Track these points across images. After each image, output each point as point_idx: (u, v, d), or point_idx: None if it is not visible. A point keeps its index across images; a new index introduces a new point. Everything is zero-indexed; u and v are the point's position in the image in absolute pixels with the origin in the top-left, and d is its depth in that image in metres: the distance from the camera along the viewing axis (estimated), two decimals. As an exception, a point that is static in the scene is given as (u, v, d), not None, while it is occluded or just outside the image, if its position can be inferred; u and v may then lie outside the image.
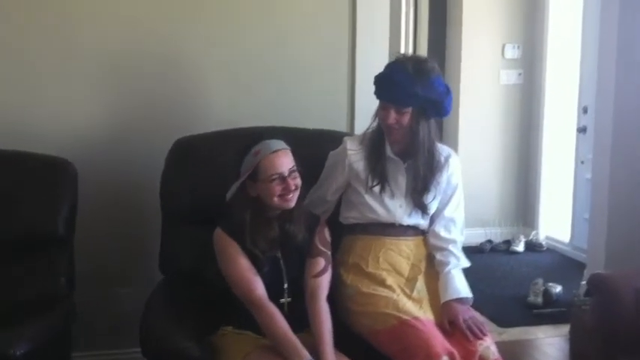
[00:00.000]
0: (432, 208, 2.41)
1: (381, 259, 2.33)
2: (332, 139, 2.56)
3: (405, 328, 2.13)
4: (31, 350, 2.06)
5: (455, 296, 2.29)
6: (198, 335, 2.14)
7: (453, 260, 2.38)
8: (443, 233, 2.41)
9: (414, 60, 2.35)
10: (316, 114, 3.00)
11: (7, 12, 2.80)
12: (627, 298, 2.36)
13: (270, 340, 2.08)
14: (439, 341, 2.09)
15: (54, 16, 2.84)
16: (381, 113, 2.35)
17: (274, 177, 2.12)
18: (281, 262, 2.19)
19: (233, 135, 2.60)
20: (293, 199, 2.15)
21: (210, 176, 2.33)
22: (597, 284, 2.50)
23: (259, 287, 2.11)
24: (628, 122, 3.69)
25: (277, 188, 2.12)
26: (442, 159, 2.41)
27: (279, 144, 2.17)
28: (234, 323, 2.18)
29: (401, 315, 2.16)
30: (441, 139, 2.47)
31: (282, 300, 2.16)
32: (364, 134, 2.44)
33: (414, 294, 2.28)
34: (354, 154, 2.40)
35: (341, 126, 3.02)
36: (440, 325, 2.21)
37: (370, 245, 2.36)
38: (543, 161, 5.84)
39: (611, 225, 3.75)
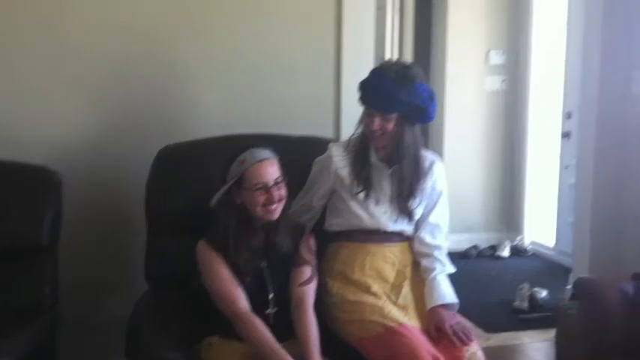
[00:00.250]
0: (417, 213, 2.41)
1: (366, 266, 2.33)
2: (318, 146, 2.56)
3: (390, 335, 2.13)
4: (15, 362, 2.04)
5: (441, 302, 2.29)
6: (185, 345, 2.13)
7: (438, 266, 2.39)
8: (428, 239, 2.42)
9: (398, 66, 2.36)
10: (303, 120, 3.01)
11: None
12: (612, 301, 2.38)
13: (255, 351, 2.06)
14: (425, 347, 2.09)
15: (39, 21, 2.82)
16: (365, 119, 2.35)
17: (258, 186, 2.12)
18: (265, 272, 2.19)
19: (219, 142, 2.59)
20: (277, 210, 2.15)
21: (196, 184, 2.33)
22: (583, 288, 2.52)
23: (242, 300, 2.11)
24: (611, 127, 3.71)
25: (260, 198, 2.12)
26: (427, 165, 2.41)
27: (265, 153, 2.17)
28: (220, 332, 2.17)
29: (386, 322, 2.16)
30: (427, 146, 2.47)
31: (268, 311, 2.15)
32: (349, 140, 2.44)
33: (400, 300, 2.28)
34: (339, 160, 2.40)
35: (327, 132, 3.03)
36: (426, 331, 2.21)
37: (355, 252, 2.36)
38: (528, 166, 5.86)
39: (595, 229, 3.77)
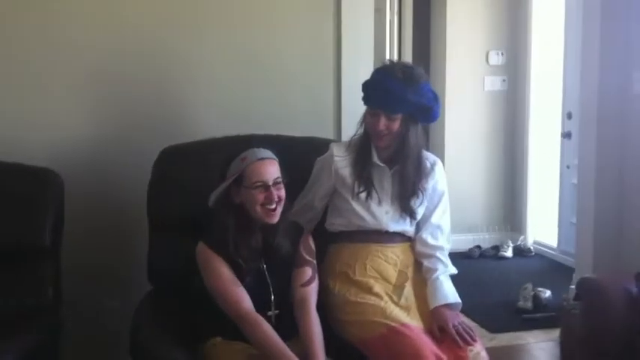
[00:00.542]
0: (419, 213, 2.41)
1: (368, 267, 2.33)
2: (319, 146, 2.56)
3: (393, 335, 2.12)
4: (17, 364, 2.04)
5: (443, 302, 2.29)
6: (188, 346, 2.12)
7: (440, 267, 2.38)
8: (430, 240, 2.41)
9: (402, 66, 2.36)
10: (303, 121, 3.00)
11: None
12: (616, 301, 2.37)
13: (260, 352, 2.05)
14: (428, 347, 2.08)
15: (39, 22, 2.82)
16: (370, 120, 2.34)
17: (258, 184, 2.11)
18: (266, 274, 2.18)
19: (220, 143, 2.59)
20: (276, 214, 2.14)
21: (198, 184, 2.32)
22: (586, 288, 2.51)
23: (246, 300, 2.10)
24: (612, 127, 3.71)
25: (260, 196, 2.11)
26: (428, 165, 2.42)
27: (266, 153, 2.17)
28: (224, 333, 2.15)
29: (389, 322, 2.16)
30: (428, 146, 2.47)
31: (270, 313, 2.14)
32: (350, 141, 2.44)
33: (402, 301, 2.27)
34: (340, 160, 2.39)
35: (328, 133, 3.03)
36: (429, 332, 2.20)
37: (356, 253, 2.36)
38: (529, 167, 5.87)
39: (598, 229, 3.77)
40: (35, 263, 2.45)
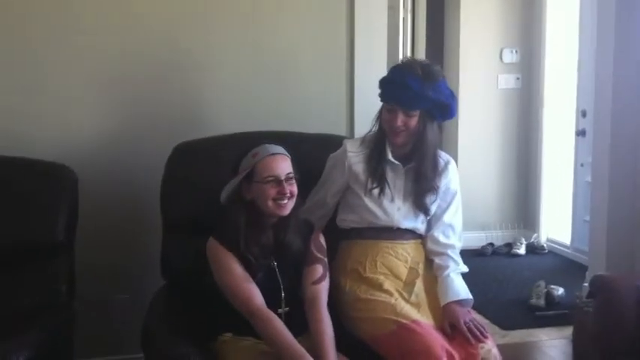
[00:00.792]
0: (432, 210, 2.41)
1: (378, 263, 2.33)
2: (331, 143, 2.57)
3: (404, 332, 2.12)
4: (32, 359, 2.05)
5: (455, 298, 2.29)
6: (200, 341, 2.13)
7: (452, 264, 2.38)
8: (442, 238, 2.42)
9: (421, 63, 2.36)
10: (316, 118, 3.02)
11: (6, 16, 2.81)
12: (629, 299, 2.36)
13: (272, 349, 2.06)
14: (439, 343, 2.08)
15: (54, 19, 2.85)
16: (387, 116, 2.34)
17: (270, 179, 2.12)
18: (277, 272, 2.18)
19: (232, 140, 2.61)
20: (287, 206, 2.14)
21: (210, 181, 2.33)
22: (599, 286, 2.50)
23: (257, 296, 2.10)
24: (626, 125, 3.69)
25: (272, 191, 2.11)
26: (442, 164, 2.42)
27: (278, 149, 2.18)
28: (234, 330, 2.16)
29: (399, 319, 2.16)
30: (441, 144, 2.47)
31: (280, 310, 2.14)
32: (364, 137, 2.44)
33: (412, 298, 2.27)
34: (353, 155, 2.40)
35: (340, 130, 3.04)
36: (441, 328, 2.20)
37: (367, 250, 2.36)
38: (543, 164, 5.84)
39: (611, 227, 3.74)
40: (49, 259, 2.47)
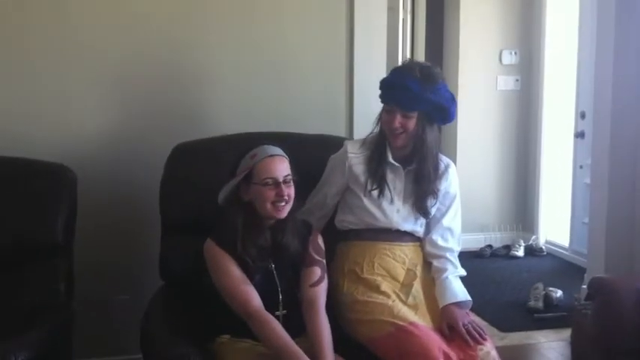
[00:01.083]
0: (432, 213, 2.42)
1: (376, 265, 2.33)
2: (331, 144, 2.57)
3: (401, 334, 2.13)
4: (31, 359, 2.04)
5: (453, 300, 2.29)
6: (198, 342, 2.13)
7: (450, 267, 2.38)
8: (440, 242, 2.42)
9: (421, 65, 2.37)
10: (315, 119, 3.02)
11: (7, 15, 2.81)
12: (628, 301, 2.36)
13: (270, 351, 2.06)
14: (436, 346, 2.08)
15: (54, 19, 2.85)
16: (386, 117, 2.35)
17: (268, 181, 2.11)
18: (274, 274, 2.18)
19: (232, 140, 2.61)
20: (285, 209, 2.13)
21: (210, 182, 2.32)
22: (598, 288, 2.50)
23: (255, 298, 2.10)
24: (626, 126, 3.69)
25: (270, 193, 2.11)
26: (442, 167, 2.43)
27: (276, 150, 2.18)
28: (232, 331, 2.16)
29: (396, 321, 2.16)
30: (440, 146, 2.48)
31: (278, 312, 2.14)
32: (365, 139, 2.44)
33: (410, 300, 2.27)
34: (354, 157, 2.40)
35: (340, 131, 3.04)
36: (439, 330, 2.20)
37: (365, 251, 2.37)
38: (542, 166, 5.85)
39: (610, 229, 3.75)
40: (48, 259, 2.46)
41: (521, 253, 5.62)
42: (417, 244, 2.44)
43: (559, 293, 4.28)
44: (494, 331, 3.80)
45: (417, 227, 2.41)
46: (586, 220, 4.50)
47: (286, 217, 2.16)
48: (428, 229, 2.45)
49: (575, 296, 3.93)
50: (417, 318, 2.20)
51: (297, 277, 2.21)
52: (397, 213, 2.37)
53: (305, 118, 3.01)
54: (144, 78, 2.94)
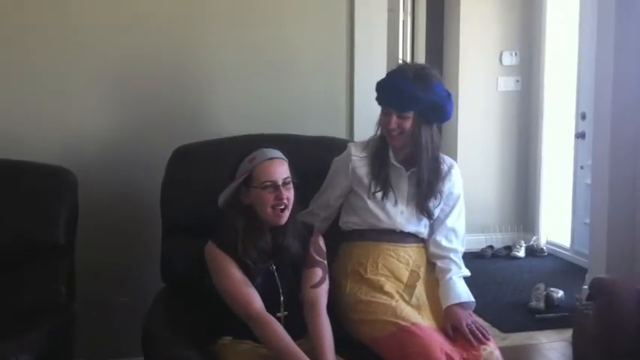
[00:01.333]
0: (435, 214, 2.42)
1: (379, 265, 2.33)
2: (331, 146, 2.57)
3: (403, 334, 2.12)
4: (32, 360, 2.05)
5: (457, 301, 2.29)
6: (200, 344, 2.13)
7: (454, 267, 2.38)
8: (444, 242, 2.42)
9: (416, 66, 2.41)
10: (316, 121, 3.02)
11: (7, 15, 2.80)
12: (629, 301, 2.36)
13: (271, 353, 2.05)
14: (438, 346, 2.08)
15: (54, 19, 2.84)
16: (383, 119, 2.37)
17: (267, 184, 2.11)
18: (276, 275, 2.18)
19: (232, 142, 2.61)
20: (285, 215, 2.13)
21: (211, 184, 2.32)
22: (599, 288, 2.50)
23: (256, 300, 2.09)
24: (626, 127, 3.69)
25: (270, 196, 2.10)
26: (445, 168, 2.42)
27: (275, 153, 2.17)
28: (234, 333, 2.16)
29: (399, 321, 2.16)
30: (441, 147, 2.48)
31: (279, 314, 2.14)
32: (368, 141, 2.45)
33: (413, 300, 2.27)
34: (357, 159, 2.41)
35: (340, 132, 3.04)
36: (442, 331, 2.20)
37: (368, 251, 2.37)
38: (543, 167, 5.85)
39: (611, 229, 3.75)
40: (49, 261, 2.46)
41: (522, 253, 5.62)
42: (421, 245, 2.44)
43: (560, 294, 4.28)
44: (496, 331, 3.80)
45: (421, 228, 2.41)
46: (587, 220, 4.50)
47: (287, 219, 2.15)
48: (432, 230, 2.45)
49: (577, 297, 3.93)
50: (420, 318, 2.20)
51: (298, 278, 2.20)
52: (401, 215, 2.38)
53: (305, 118, 3.01)
54: (144, 78, 2.94)
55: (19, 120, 2.84)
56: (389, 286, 2.28)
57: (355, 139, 2.90)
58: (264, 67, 3.04)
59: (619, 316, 2.36)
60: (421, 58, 5.90)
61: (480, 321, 2.31)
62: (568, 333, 3.66)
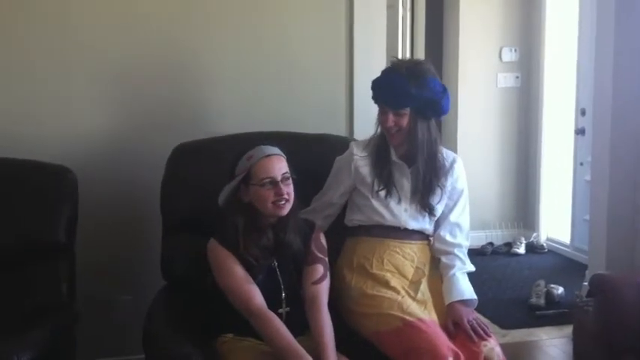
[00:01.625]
0: (438, 210, 2.42)
1: (385, 261, 2.34)
2: (331, 143, 2.58)
3: (409, 329, 2.13)
4: (34, 359, 2.05)
5: (459, 298, 2.30)
6: (201, 341, 2.13)
7: (458, 263, 2.39)
8: (448, 238, 2.42)
9: (409, 62, 2.40)
10: (316, 119, 3.02)
11: (7, 15, 2.81)
12: (629, 297, 2.36)
13: (272, 349, 2.06)
14: (444, 342, 2.09)
15: (54, 19, 2.85)
16: (380, 117, 2.37)
17: (266, 181, 2.11)
18: (277, 272, 2.19)
19: (232, 140, 2.61)
20: (286, 207, 2.14)
21: (210, 181, 2.33)
22: (599, 285, 2.50)
23: (257, 297, 2.10)
24: (626, 123, 3.69)
25: (269, 193, 2.11)
26: (447, 164, 2.42)
27: (273, 149, 2.18)
28: (235, 330, 2.17)
29: (405, 316, 2.16)
30: (440, 143, 2.48)
31: (280, 310, 2.15)
32: (370, 140, 2.45)
33: (418, 296, 2.28)
34: (360, 158, 2.42)
35: (340, 130, 3.04)
36: (444, 327, 2.21)
37: (374, 247, 2.37)
38: (542, 163, 5.84)
39: (611, 226, 3.75)
40: (50, 260, 2.47)
41: (522, 250, 5.62)
42: (426, 242, 2.44)
43: (560, 290, 4.28)
44: (496, 328, 3.80)
45: (426, 225, 2.42)
46: (587, 217, 4.50)
47: (288, 215, 2.16)
48: (437, 226, 2.45)
49: (577, 293, 3.93)
50: (425, 314, 2.21)
51: (299, 274, 2.21)
52: (405, 212, 2.38)
53: (305, 117, 3.01)
54: (144, 78, 2.94)
55: (19, 120, 2.84)
56: (394, 282, 2.29)
57: (355, 137, 2.91)
58: (264, 66, 3.04)
59: (619, 312, 2.36)
60: (420, 54, 5.89)
61: (481, 318, 2.31)
62: (568, 329, 3.66)
